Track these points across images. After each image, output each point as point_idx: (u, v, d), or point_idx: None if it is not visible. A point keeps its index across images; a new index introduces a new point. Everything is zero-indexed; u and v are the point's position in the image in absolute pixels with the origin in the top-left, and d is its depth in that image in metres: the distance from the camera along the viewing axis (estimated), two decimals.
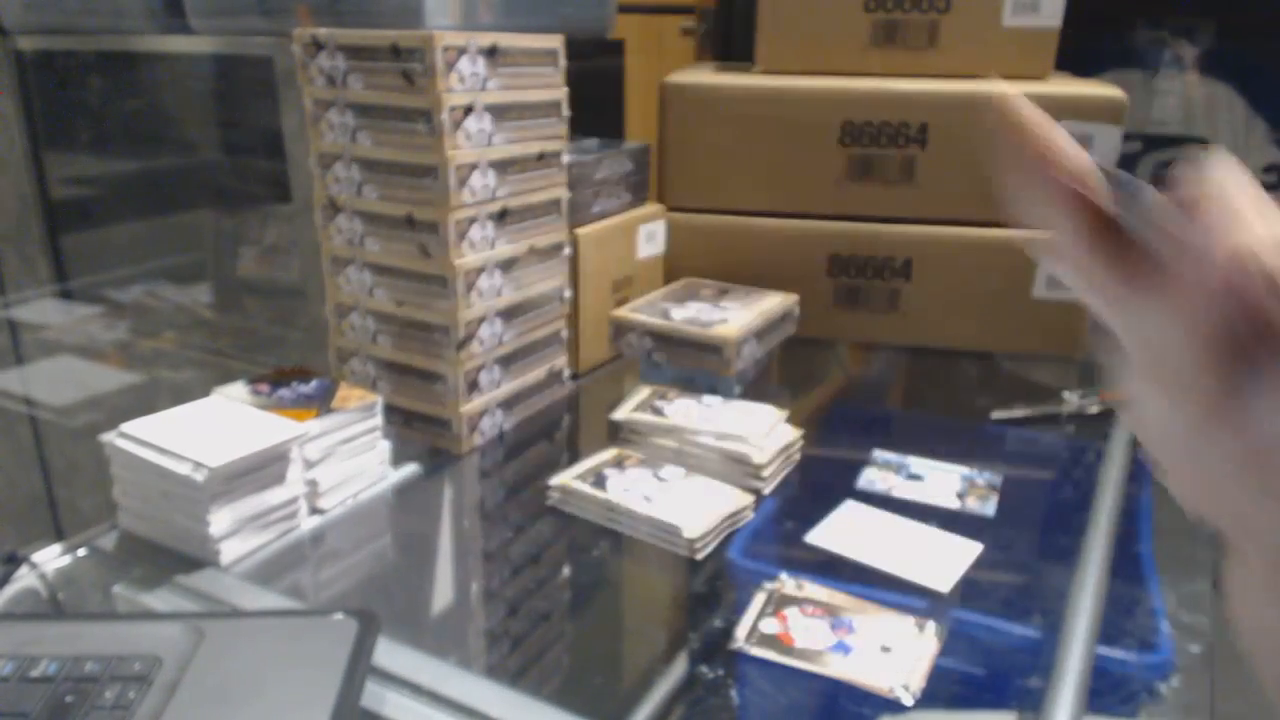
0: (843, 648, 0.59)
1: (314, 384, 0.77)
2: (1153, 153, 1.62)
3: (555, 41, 0.85)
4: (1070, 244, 0.26)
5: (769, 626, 0.61)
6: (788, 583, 0.66)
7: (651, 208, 1.10)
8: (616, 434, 0.85)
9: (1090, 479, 0.79)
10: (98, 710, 0.46)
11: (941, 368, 1.12)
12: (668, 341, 0.92)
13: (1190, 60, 1.58)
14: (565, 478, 0.76)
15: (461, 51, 0.75)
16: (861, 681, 0.56)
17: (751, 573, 0.68)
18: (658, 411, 0.84)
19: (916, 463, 0.85)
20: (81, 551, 0.67)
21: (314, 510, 0.72)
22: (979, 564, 0.69)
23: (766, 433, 0.81)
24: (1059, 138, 0.26)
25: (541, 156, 0.86)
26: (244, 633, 0.52)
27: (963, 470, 0.83)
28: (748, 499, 0.74)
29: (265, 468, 0.66)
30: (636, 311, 0.96)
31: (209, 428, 0.67)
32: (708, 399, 0.87)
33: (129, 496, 0.67)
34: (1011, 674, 0.61)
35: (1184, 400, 0.24)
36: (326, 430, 0.71)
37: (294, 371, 0.79)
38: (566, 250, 0.92)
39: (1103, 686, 0.56)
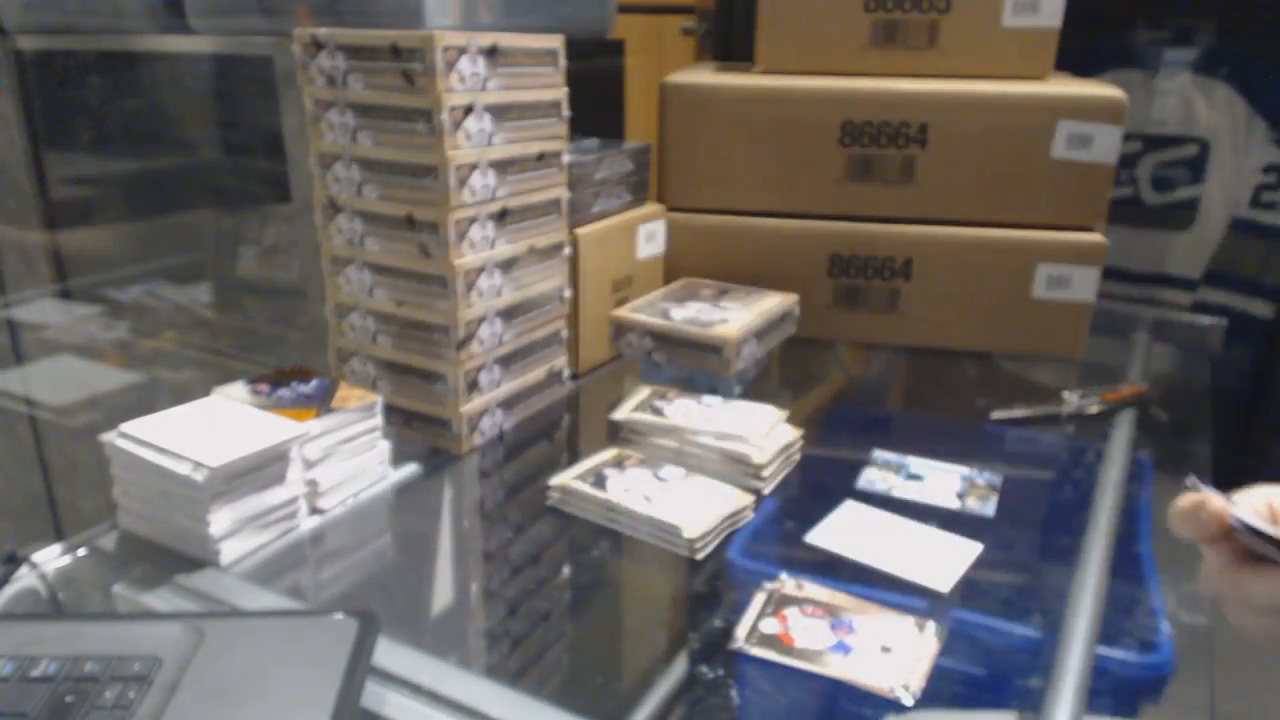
0: (843, 648, 0.59)
1: (314, 384, 0.77)
2: (1152, 153, 1.62)
3: (555, 41, 0.85)
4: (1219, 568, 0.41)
5: (769, 626, 0.61)
6: (788, 583, 0.66)
7: (651, 208, 1.10)
8: (616, 434, 0.85)
9: (1090, 479, 0.79)
10: (98, 710, 0.46)
11: (941, 368, 1.12)
12: (668, 341, 0.92)
13: (1190, 60, 1.58)
14: (565, 478, 0.76)
15: (462, 51, 0.75)
16: (861, 681, 0.57)
17: (751, 573, 0.68)
18: (658, 411, 0.84)
19: (916, 463, 0.85)
20: (81, 551, 0.67)
21: (314, 510, 0.72)
22: (979, 564, 0.69)
23: (766, 433, 0.81)
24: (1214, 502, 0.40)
25: (542, 156, 0.86)
26: (244, 633, 0.52)
27: (962, 470, 0.83)
28: (748, 499, 0.75)
29: (265, 468, 0.66)
30: (636, 311, 0.96)
31: (209, 428, 0.67)
32: (708, 399, 0.87)
33: (129, 496, 0.67)
34: (1011, 674, 0.61)
35: None
36: (326, 430, 0.72)
37: (294, 371, 0.79)
38: (566, 250, 0.92)
39: (1103, 686, 0.56)
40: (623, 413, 0.85)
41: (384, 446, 0.78)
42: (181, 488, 0.63)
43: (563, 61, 0.86)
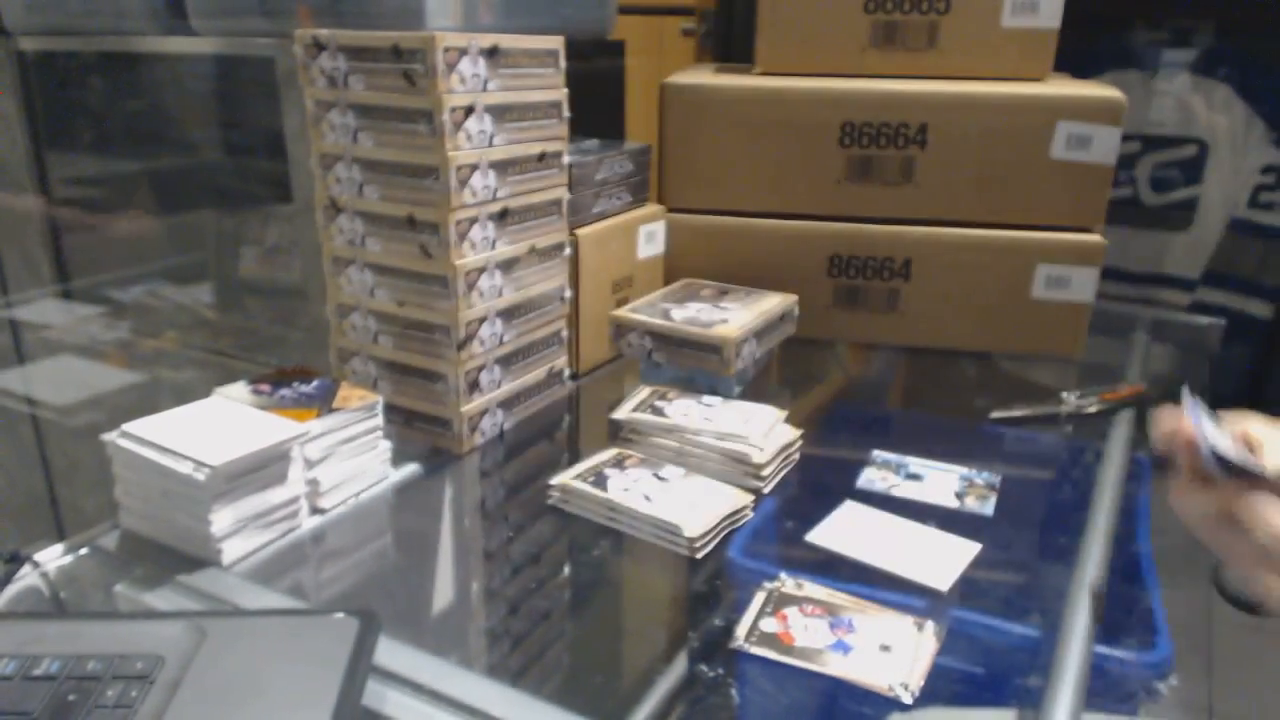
0: (842, 647, 0.59)
1: (315, 384, 0.77)
2: (1151, 153, 1.63)
3: (556, 42, 0.85)
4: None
5: (769, 625, 0.62)
6: (787, 582, 0.66)
7: (651, 208, 1.10)
8: (616, 434, 0.85)
9: (1089, 479, 0.80)
10: (100, 709, 0.46)
11: (940, 368, 1.12)
12: (668, 341, 0.92)
13: (1189, 61, 1.58)
14: (565, 477, 0.76)
15: (462, 52, 0.75)
16: (861, 680, 0.57)
17: (751, 572, 0.68)
18: (658, 411, 0.84)
19: (916, 462, 0.85)
20: (83, 551, 0.67)
21: (315, 510, 0.72)
22: (978, 563, 0.69)
23: (766, 433, 0.81)
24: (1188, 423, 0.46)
25: (542, 157, 0.86)
26: (245, 632, 0.52)
27: (962, 470, 0.83)
28: (747, 499, 0.75)
29: (266, 467, 0.67)
30: (636, 311, 0.96)
31: (210, 427, 0.68)
32: (708, 399, 0.87)
33: (130, 496, 0.67)
34: (1010, 673, 0.61)
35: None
36: (327, 430, 0.72)
37: (295, 371, 0.79)
38: (567, 250, 0.92)
39: (1102, 685, 0.56)
40: (623, 413, 0.85)
41: (385, 446, 0.78)
42: (183, 487, 0.63)
43: (563, 62, 0.86)
